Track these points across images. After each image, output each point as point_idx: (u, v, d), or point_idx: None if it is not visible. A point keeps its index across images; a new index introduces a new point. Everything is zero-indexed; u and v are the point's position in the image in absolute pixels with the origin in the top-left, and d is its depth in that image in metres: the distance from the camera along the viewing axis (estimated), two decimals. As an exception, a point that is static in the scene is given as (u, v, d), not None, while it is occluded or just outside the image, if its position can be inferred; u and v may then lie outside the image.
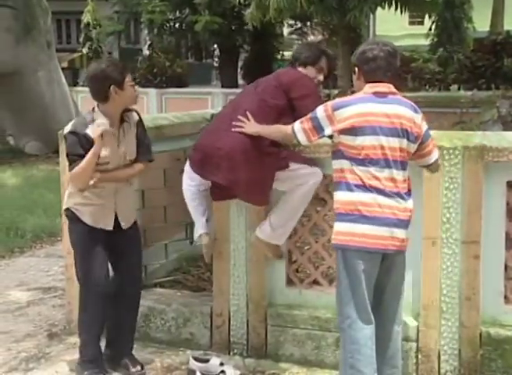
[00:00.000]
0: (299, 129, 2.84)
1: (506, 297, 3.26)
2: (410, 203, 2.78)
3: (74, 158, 3.15)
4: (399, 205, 2.72)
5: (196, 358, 3.45)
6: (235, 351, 3.61)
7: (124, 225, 3.33)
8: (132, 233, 3.40)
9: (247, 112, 3.19)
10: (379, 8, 9.88)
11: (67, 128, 3.22)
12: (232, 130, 3.19)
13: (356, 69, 2.81)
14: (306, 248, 3.69)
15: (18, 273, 5.26)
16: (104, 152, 3.17)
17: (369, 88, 2.76)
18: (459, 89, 9.91)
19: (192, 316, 3.69)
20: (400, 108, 2.74)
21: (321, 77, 3.41)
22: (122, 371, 3.42)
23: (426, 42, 19.60)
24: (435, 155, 2.91)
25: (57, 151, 4.00)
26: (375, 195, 2.69)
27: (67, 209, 3.30)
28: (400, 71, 2.86)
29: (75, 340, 3.82)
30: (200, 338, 3.68)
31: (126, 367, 3.41)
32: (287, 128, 2.92)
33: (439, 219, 3.21)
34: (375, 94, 2.74)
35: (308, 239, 3.57)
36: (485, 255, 3.19)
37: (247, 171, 3.17)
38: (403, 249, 2.81)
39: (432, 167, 2.97)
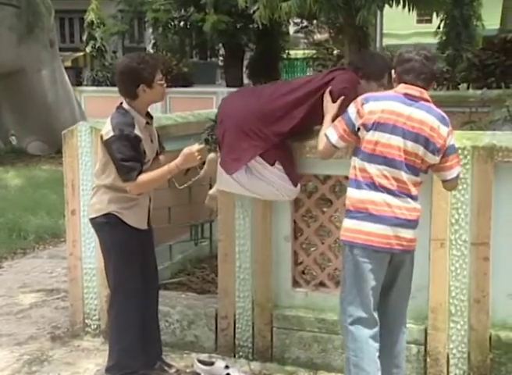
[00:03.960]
0: (332, 133, 2.82)
1: (516, 299, 3.20)
2: (418, 204, 2.76)
3: (131, 165, 2.99)
4: (408, 205, 2.70)
5: (201, 361, 3.42)
6: (240, 354, 3.57)
7: (151, 222, 3.28)
8: (152, 231, 3.35)
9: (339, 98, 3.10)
10: (387, 7, 9.80)
11: (109, 132, 3.03)
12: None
13: (393, 71, 2.80)
14: (312, 249, 3.64)
15: (21, 274, 5.22)
16: (147, 148, 3.11)
17: (401, 88, 2.73)
18: (468, 88, 9.83)
19: (197, 318, 3.66)
20: (425, 116, 2.68)
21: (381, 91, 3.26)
22: (158, 374, 3.37)
23: (434, 40, 19.49)
24: (454, 173, 2.80)
25: (60, 152, 3.97)
26: (384, 195, 2.67)
27: (107, 215, 3.11)
28: (437, 76, 2.81)
29: (78, 342, 3.81)
30: (205, 341, 3.65)
31: (162, 369, 3.37)
32: (325, 139, 2.86)
33: (447, 220, 3.16)
34: (406, 95, 2.70)
35: (314, 240, 3.52)
36: (495, 257, 3.14)
37: (236, 135, 3.21)
38: (411, 249, 2.78)
39: (448, 184, 2.87)
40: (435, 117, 2.69)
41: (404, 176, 2.68)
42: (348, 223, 2.75)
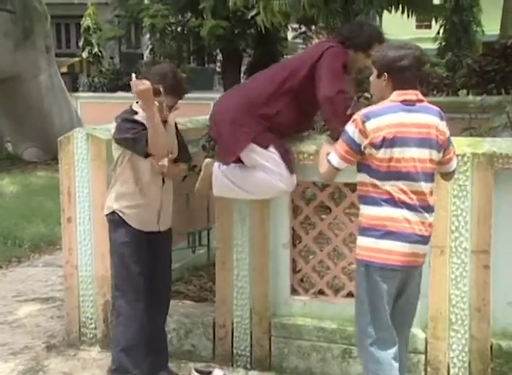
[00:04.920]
0: (333, 156, 2.70)
1: (517, 308, 3.17)
2: (433, 218, 2.70)
3: (139, 137, 3.03)
4: (425, 221, 2.64)
5: (198, 371, 3.38)
6: (238, 363, 3.53)
7: (165, 226, 3.26)
8: (168, 236, 3.33)
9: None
10: (386, 12, 9.80)
11: (113, 126, 3.14)
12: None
13: (385, 75, 2.66)
14: (310, 257, 3.61)
15: (16, 283, 5.17)
16: None
17: (397, 96, 2.63)
18: (468, 94, 9.80)
19: (194, 327, 3.61)
20: (428, 117, 2.64)
21: (368, 63, 3.12)
22: None
23: (434, 46, 19.48)
24: (454, 164, 2.80)
25: (56, 158, 3.93)
26: (404, 211, 2.59)
27: (112, 213, 3.18)
28: (424, 75, 2.75)
29: (74, 352, 3.77)
30: (203, 350, 3.60)
31: None
32: (326, 162, 2.76)
33: (447, 227, 3.14)
34: (404, 102, 2.63)
35: (313, 248, 3.49)
36: (496, 265, 3.11)
37: (228, 127, 3.21)
38: (423, 264, 2.73)
39: (449, 176, 2.87)
40: (435, 115, 2.66)
41: (423, 186, 2.61)
42: (364, 242, 2.66)
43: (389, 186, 2.59)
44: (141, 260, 3.16)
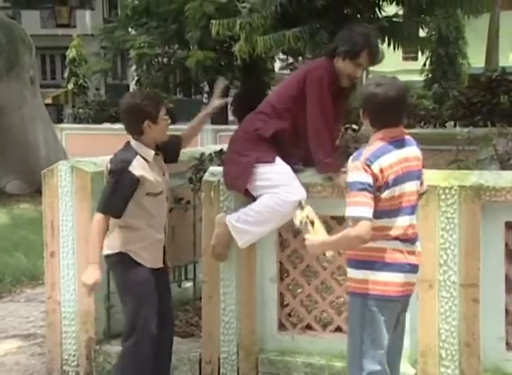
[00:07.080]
0: (362, 210, 2.49)
1: (507, 343, 3.14)
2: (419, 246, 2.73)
3: (108, 201, 3.01)
4: (415, 250, 2.66)
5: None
6: (225, 401, 3.45)
7: (166, 260, 3.22)
8: (167, 270, 3.29)
9: None
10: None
11: (108, 165, 3.06)
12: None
13: (362, 110, 2.67)
14: (298, 290, 3.56)
15: (-4, 319, 5.04)
16: (158, 179, 3.09)
17: (385, 134, 2.62)
18: (455, 126, 9.93)
19: (180, 363, 3.53)
20: (413, 150, 2.69)
21: (358, 73, 3.15)
22: None
23: (420, 78, 19.79)
24: (424, 184, 2.85)
25: (40, 191, 3.88)
26: (397, 243, 2.60)
27: (120, 253, 3.05)
28: (410, 108, 2.77)
29: (55, 391, 3.66)
30: (188, 387, 3.52)
31: None
32: (347, 230, 2.56)
33: (435, 261, 3.12)
34: (393, 139, 2.63)
35: (300, 281, 3.45)
36: (485, 299, 3.09)
37: (231, 156, 3.33)
38: (413, 293, 2.75)
39: (422, 196, 2.92)
40: (415, 146, 2.72)
41: (412, 218, 2.65)
42: (359, 275, 2.63)
43: (385, 223, 2.59)
44: (153, 299, 3.09)
